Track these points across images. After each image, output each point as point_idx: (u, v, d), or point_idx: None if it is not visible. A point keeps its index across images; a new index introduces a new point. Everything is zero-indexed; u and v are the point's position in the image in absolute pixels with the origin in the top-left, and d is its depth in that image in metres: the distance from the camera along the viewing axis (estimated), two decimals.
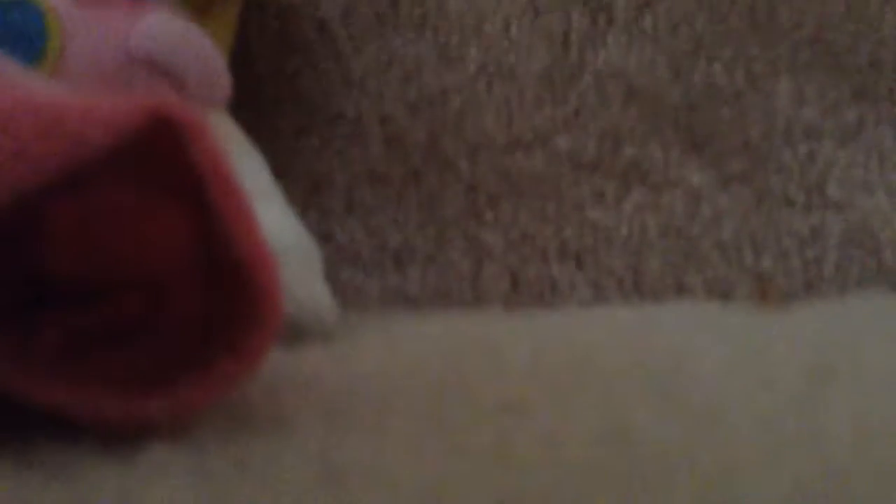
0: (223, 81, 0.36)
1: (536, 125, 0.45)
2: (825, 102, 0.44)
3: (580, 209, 0.44)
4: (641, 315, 0.36)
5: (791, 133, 0.44)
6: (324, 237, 0.44)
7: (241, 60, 0.43)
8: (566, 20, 0.45)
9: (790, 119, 0.44)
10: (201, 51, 0.35)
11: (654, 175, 0.44)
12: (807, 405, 0.20)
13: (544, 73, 0.45)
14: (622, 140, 0.45)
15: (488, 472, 0.15)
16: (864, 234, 0.43)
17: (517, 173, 0.45)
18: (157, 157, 0.19)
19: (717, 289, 0.43)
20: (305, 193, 0.45)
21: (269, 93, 0.46)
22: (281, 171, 0.39)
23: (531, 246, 0.44)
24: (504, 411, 0.18)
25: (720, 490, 0.15)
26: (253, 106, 0.44)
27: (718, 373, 0.22)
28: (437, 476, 0.15)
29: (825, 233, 0.43)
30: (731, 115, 0.44)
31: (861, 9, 0.44)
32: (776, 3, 0.44)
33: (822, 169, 0.44)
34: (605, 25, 0.45)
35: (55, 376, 0.18)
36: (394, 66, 0.45)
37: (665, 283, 0.44)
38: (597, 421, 0.18)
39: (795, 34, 0.44)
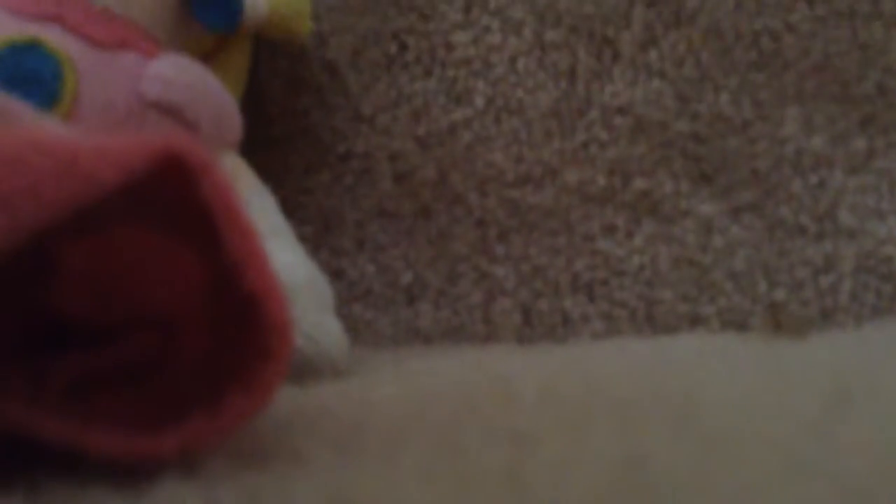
0: (235, 123, 0.37)
1: (545, 159, 0.45)
2: (834, 131, 0.44)
3: (591, 242, 0.44)
4: (655, 346, 0.36)
5: (800, 162, 0.44)
6: (335, 274, 0.44)
7: (253, 101, 0.43)
8: (572, 56, 0.45)
9: (799, 148, 0.44)
10: (213, 93, 0.35)
11: (664, 207, 0.45)
12: (823, 431, 0.19)
13: (552, 108, 0.45)
14: (631, 172, 0.45)
15: (500, 500, 0.15)
16: (877, 261, 0.43)
17: (527, 207, 0.45)
18: (167, 196, 0.20)
19: (731, 319, 0.43)
20: (316, 231, 0.45)
21: (279, 132, 0.47)
22: (292, 210, 0.40)
23: (543, 280, 0.44)
24: (516, 440, 0.18)
25: None
26: (264, 146, 0.45)
27: (733, 400, 0.22)
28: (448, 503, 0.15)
29: (839, 261, 0.43)
30: (740, 145, 0.45)
31: (867, 37, 0.44)
32: (781, 33, 0.45)
33: (833, 197, 0.44)
34: (610, 60, 0.45)
35: (66, 414, 0.18)
36: (402, 103, 0.46)
37: (678, 315, 0.43)
38: (610, 449, 0.18)
39: (801, 63, 0.45)
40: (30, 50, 0.33)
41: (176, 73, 0.34)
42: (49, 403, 0.19)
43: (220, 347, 0.20)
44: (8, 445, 0.17)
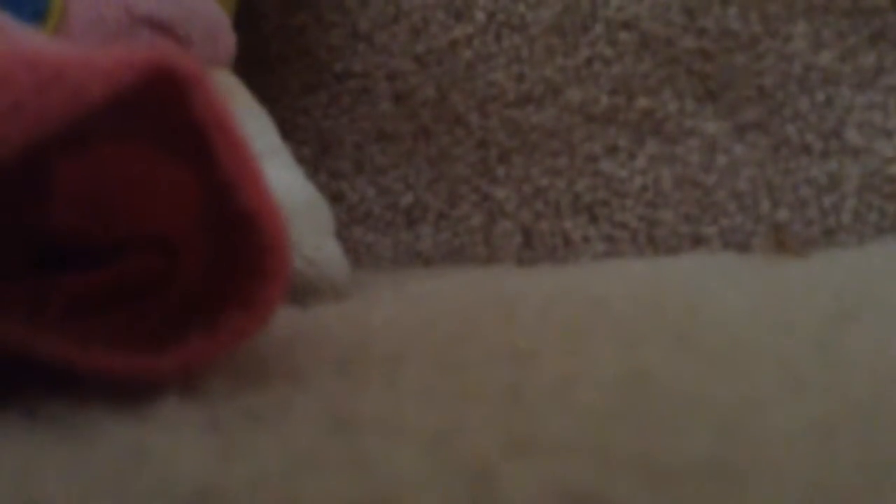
0: (227, 39, 0.36)
1: (547, 77, 0.44)
2: (842, 46, 0.43)
3: (593, 162, 0.44)
4: (656, 266, 0.36)
5: (807, 79, 0.43)
6: (334, 197, 0.44)
7: (247, 18, 0.42)
8: None
9: (806, 64, 0.43)
10: (204, 8, 0.34)
11: (668, 126, 0.44)
12: (827, 347, 0.19)
13: (555, 24, 0.44)
14: (635, 91, 0.44)
15: (501, 416, 0.15)
16: (882, 180, 0.42)
17: (528, 128, 0.44)
18: (159, 111, 0.19)
19: (733, 239, 0.43)
20: (314, 153, 0.45)
21: (275, 50, 0.45)
22: (289, 131, 0.39)
23: (543, 201, 0.44)
24: (517, 358, 0.18)
25: (739, 428, 0.14)
26: (259, 65, 0.44)
27: (736, 317, 0.22)
28: (449, 421, 0.15)
29: (843, 180, 0.43)
30: (746, 62, 0.44)
31: None
32: None
33: (840, 115, 0.43)
34: None
35: (65, 335, 0.18)
36: (401, 19, 0.44)
37: (680, 235, 0.43)
38: (611, 365, 0.18)
39: None
40: None
41: None
42: (49, 323, 0.18)
43: (219, 267, 0.20)
44: (6, 367, 0.17)
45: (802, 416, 0.15)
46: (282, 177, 0.33)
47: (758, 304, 0.24)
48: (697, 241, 0.43)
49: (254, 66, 0.40)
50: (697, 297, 0.24)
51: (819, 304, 0.24)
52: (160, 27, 0.33)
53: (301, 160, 0.38)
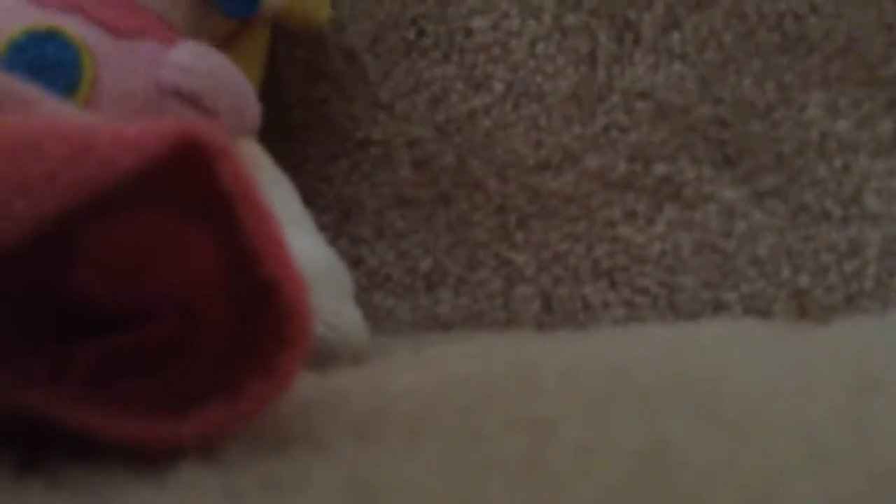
0: (253, 110, 0.36)
1: (565, 145, 0.45)
2: (859, 114, 0.44)
3: (612, 228, 0.44)
4: (677, 333, 0.36)
5: (825, 146, 0.44)
6: (354, 262, 0.44)
7: (271, 89, 0.43)
8: (592, 39, 0.45)
9: (824, 131, 0.44)
10: (231, 80, 0.35)
11: (686, 192, 0.44)
12: (851, 417, 0.19)
13: (572, 93, 0.45)
14: (652, 157, 0.44)
15: (521, 487, 0.15)
16: None
17: (547, 193, 0.45)
18: (185, 181, 0.19)
19: (754, 305, 0.42)
20: (335, 219, 0.45)
21: (298, 120, 0.46)
22: (311, 198, 0.39)
23: (563, 266, 0.44)
24: (536, 427, 0.18)
25: (763, 500, 0.14)
26: (282, 134, 0.45)
27: (758, 386, 0.21)
28: (469, 491, 0.15)
29: (864, 246, 0.42)
30: (763, 130, 0.44)
31: (893, 18, 0.43)
32: (805, 15, 0.44)
33: (858, 181, 0.43)
34: (631, 44, 0.45)
35: (87, 401, 0.18)
36: (421, 89, 0.45)
37: (701, 301, 0.43)
38: (632, 435, 0.17)
39: (826, 46, 0.44)
40: (49, 38, 0.33)
41: (194, 61, 0.34)
42: (72, 390, 0.19)
43: (240, 334, 0.20)
44: (28, 433, 0.17)
45: (828, 487, 0.15)
46: (303, 243, 0.34)
47: (780, 373, 0.23)
48: (718, 307, 0.43)
49: (277, 135, 0.41)
50: (719, 366, 0.24)
51: (842, 374, 0.23)
52: (188, 100, 0.33)
53: (322, 226, 0.38)
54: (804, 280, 0.42)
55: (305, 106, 0.46)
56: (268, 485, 0.16)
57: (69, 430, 0.17)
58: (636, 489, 0.15)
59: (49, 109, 0.22)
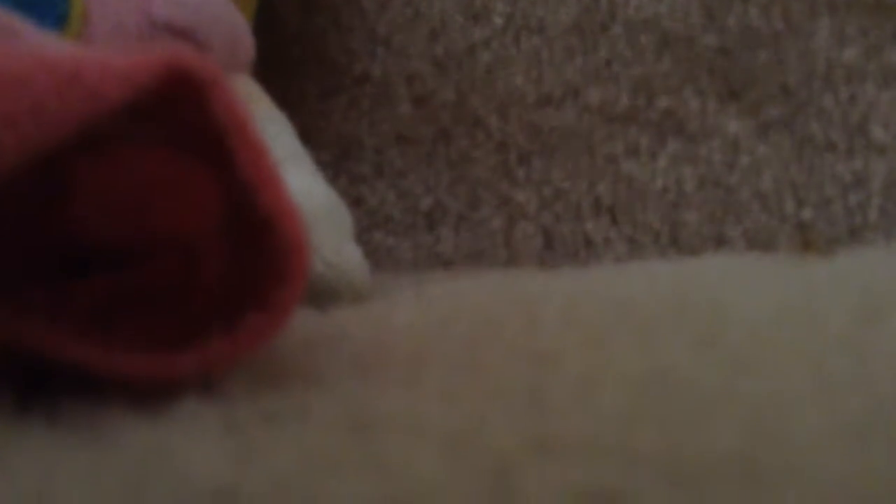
0: (247, 45, 0.36)
1: (567, 78, 0.44)
2: (866, 42, 0.43)
3: (614, 163, 0.44)
4: (680, 267, 0.36)
5: (831, 76, 0.43)
6: (354, 201, 0.44)
7: (266, 24, 0.42)
8: None
9: (830, 61, 0.43)
10: (224, 14, 0.35)
11: (689, 125, 0.43)
12: (855, 346, 0.19)
13: (573, 24, 0.44)
14: (656, 90, 0.44)
15: (523, 416, 0.15)
16: None
17: (548, 129, 0.44)
18: (177, 114, 0.19)
19: (757, 240, 0.42)
20: (334, 158, 0.45)
21: (294, 55, 0.46)
22: (309, 136, 0.39)
23: (564, 203, 0.44)
24: (538, 359, 0.18)
25: (765, 428, 0.14)
26: (278, 69, 0.44)
27: (761, 317, 0.21)
28: (470, 422, 0.15)
29: (868, 177, 0.42)
30: (769, 60, 0.43)
31: None
32: None
33: (865, 112, 0.43)
34: None
35: (86, 337, 0.18)
36: (419, 23, 0.44)
37: (703, 237, 0.43)
38: (634, 366, 0.17)
39: None
40: None
41: None
42: (71, 326, 0.18)
43: (238, 269, 0.20)
44: (26, 370, 0.17)
45: (832, 414, 0.15)
46: (302, 181, 0.33)
47: (783, 303, 0.23)
48: (721, 242, 0.42)
49: (272, 71, 0.40)
50: (722, 297, 0.24)
51: (846, 303, 0.23)
52: (180, 33, 0.33)
53: (321, 164, 0.38)
54: (808, 213, 0.42)
55: (301, 40, 0.45)
56: (268, 418, 0.16)
57: (68, 366, 0.17)
58: (638, 417, 0.15)
59: (36, 41, 0.22)
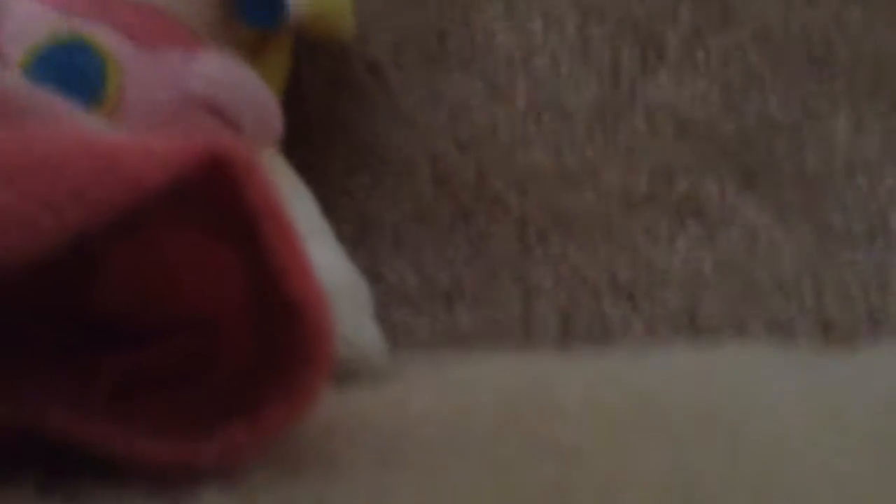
0: (276, 122, 0.36)
1: (587, 160, 0.44)
2: (886, 133, 0.43)
3: (633, 246, 0.44)
4: (699, 357, 0.35)
5: (851, 166, 0.43)
6: (373, 277, 0.44)
7: (293, 101, 0.43)
8: (616, 54, 0.45)
9: (849, 151, 0.43)
10: (255, 91, 0.35)
11: (708, 210, 0.44)
12: (882, 443, 0.18)
13: (594, 108, 0.44)
14: (675, 175, 0.44)
15: None
16: None
17: (567, 210, 0.44)
18: (210, 197, 0.19)
19: (777, 328, 0.42)
20: (355, 233, 0.45)
21: (319, 132, 0.46)
22: (330, 211, 0.39)
23: (582, 284, 0.44)
24: (560, 455, 0.18)
25: None
26: (304, 145, 0.45)
27: (787, 413, 0.21)
28: None
29: (889, 268, 0.42)
30: (787, 148, 0.43)
31: None
32: (832, 33, 0.43)
33: (884, 202, 0.43)
34: (655, 59, 0.44)
35: (109, 420, 0.18)
36: (443, 103, 0.45)
37: (722, 323, 0.42)
38: (658, 470, 0.17)
39: (853, 65, 0.43)
40: (75, 47, 0.33)
41: (220, 72, 0.34)
42: (94, 407, 0.18)
43: (262, 353, 0.20)
44: (49, 455, 0.17)
45: None
46: (323, 257, 0.34)
47: (808, 398, 0.23)
48: (740, 327, 0.42)
49: (297, 147, 0.40)
50: (745, 396, 0.24)
51: (871, 397, 0.23)
52: (213, 110, 0.33)
53: (341, 239, 0.38)
54: (828, 302, 0.42)
55: (327, 118, 0.46)
56: None
57: (88, 453, 0.17)
58: None
59: (75, 122, 0.22)
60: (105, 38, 0.33)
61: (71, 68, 0.32)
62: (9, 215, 0.16)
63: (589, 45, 0.45)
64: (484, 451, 0.19)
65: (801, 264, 0.42)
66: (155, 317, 0.21)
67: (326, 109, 0.46)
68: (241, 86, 0.34)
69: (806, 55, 0.43)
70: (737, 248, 0.43)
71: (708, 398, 0.23)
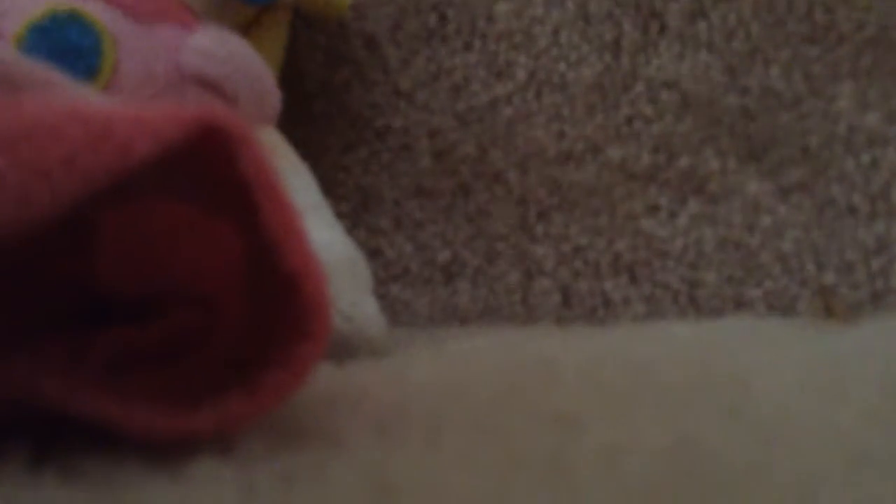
0: (273, 97, 0.36)
1: (588, 135, 0.44)
2: (889, 107, 0.43)
3: (633, 221, 0.43)
4: (700, 330, 0.35)
5: (853, 139, 0.43)
6: (372, 253, 0.44)
7: (290, 76, 0.43)
8: (617, 28, 0.44)
9: (852, 125, 0.43)
10: (251, 67, 0.35)
11: (710, 185, 0.43)
12: (883, 419, 0.18)
13: (595, 82, 0.44)
14: (676, 150, 0.44)
15: (545, 486, 0.15)
16: None
17: (568, 185, 0.44)
18: (205, 168, 0.19)
19: (778, 303, 0.42)
20: (354, 209, 0.45)
21: (317, 108, 0.46)
22: (329, 187, 0.39)
23: (583, 260, 0.43)
24: (560, 424, 0.18)
25: None
26: (302, 121, 0.44)
27: (787, 387, 0.21)
28: (491, 490, 0.14)
29: (890, 242, 0.42)
30: (790, 122, 0.43)
31: None
32: (835, 6, 0.43)
33: (887, 176, 0.42)
34: (656, 33, 0.44)
35: (105, 390, 0.18)
36: (442, 78, 0.45)
37: (723, 297, 0.42)
38: (658, 434, 0.17)
39: (857, 36, 0.43)
40: (70, 22, 0.32)
41: (215, 46, 0.34)
42: (90, 378, 0.18)
43: (259, 324, 0.19)
44: (44, 425, 0.17)
45: (861, 493, 0.14)
46: (322, 233, 0.34)
47: (809, 373, 0.23)
48: (741, 303, 0.42)
49: (295, 123, 0.40)
50: (745, 365, 0.24)
51: (872, 373, 0.23)
52: (208, 85, 0.33)
53: (340, 216, 0.38)
54: (829, 277, 0.42)
55: (325, 94, 0.46)
56: (285, 479, 0.16)
57: (84, 422, 0.17)
58: (662, 490, 0.15)
59: (69, 93, 0.22)
60: (100, 12, 0.33)
61: (66, 42, 0.32)
62: (0, 183, 0.16)
63: (590, 19, 0.44)
64: (484, 422, 0.19)
65: (802, 239, 0.42)
66: (152, 289, 0.21)
67: (324, 85, 0.46)
68: (237, 61, 0.34)
69: (809, 28, 0.43)
70: (738, 224, 0.43)
71: (708, 371, 0.23)
